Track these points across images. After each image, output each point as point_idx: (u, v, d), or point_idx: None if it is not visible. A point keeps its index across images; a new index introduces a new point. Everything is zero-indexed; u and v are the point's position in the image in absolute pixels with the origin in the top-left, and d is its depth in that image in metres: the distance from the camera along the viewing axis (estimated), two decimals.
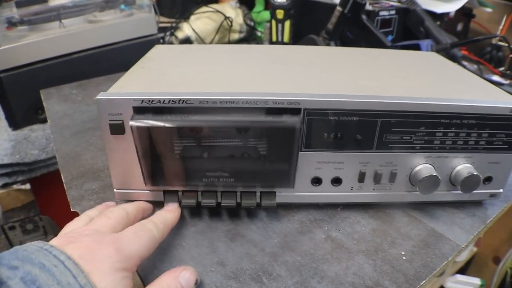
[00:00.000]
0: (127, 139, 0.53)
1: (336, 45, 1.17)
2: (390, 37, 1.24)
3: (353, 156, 0.57)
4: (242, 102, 0.52)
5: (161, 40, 1.35)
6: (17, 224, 1.44)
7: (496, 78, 1.17)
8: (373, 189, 0.60)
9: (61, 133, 0.85)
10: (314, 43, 1.12)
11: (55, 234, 1.28)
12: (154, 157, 0.54)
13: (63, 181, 0.69)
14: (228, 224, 0.59)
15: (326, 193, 0.60)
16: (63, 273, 0.37)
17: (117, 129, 0.53)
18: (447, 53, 1.09)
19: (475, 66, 1.23)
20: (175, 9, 1.71)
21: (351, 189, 0.60)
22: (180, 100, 0.51)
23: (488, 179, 0.60)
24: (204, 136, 0.53)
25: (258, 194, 0.58)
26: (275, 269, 0.52)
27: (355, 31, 1.14)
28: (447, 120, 0.55)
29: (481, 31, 1.51)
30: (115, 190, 0.60)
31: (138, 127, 0.50)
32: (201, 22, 1.55)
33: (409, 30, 1.24)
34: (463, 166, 0.59)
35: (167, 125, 0.51)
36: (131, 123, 0.50)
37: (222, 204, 0.57)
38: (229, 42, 1.60)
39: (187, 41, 1.51)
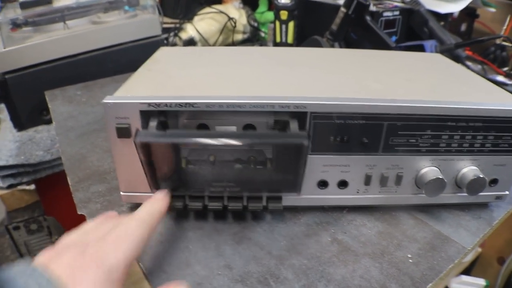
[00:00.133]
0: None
1: (340, 46, 1.17)
2: (394, 38, 1.24)
3: (359, 159, 0.57)
4: (248, 106, 0.52)
5: (165, 41, 1.35)
6: (21, 224, 1.44)
7: (500, 78, 1.18)
8: (379, 192, 0.60)
9: (67, 135, 0.86)
10: (318, 44, 1.12)
11: (60, 235, 1.29)
12: (160, 170, 0.54)
13: (70, 183, 0.69)
14: (235, 227, 0.59)
15: (332, 196, 0.60)
16: None
17: (124, 132, 0.53)
18: (451, 53, 1.09)
19: (479, 67, 1.23)
20: (178, 9, 1.71)
21: (357, 192, 0.60)
22: (187, 104, 0.52)
23: (494, 182, 0.61)
24: (210, 151, 0.53)
25: (264, 198, 0.58)
26: (282, 272, 0.52)
27: (359, 32, 1.14)
28: (453, 123, 0.55)
29: (485, 31, 1.50)
30: (121, 193, 0.60)
31: (143, 143, 0.50)
32: (204, 23, 1.55)
33: (413, 31, 1.24)
34: (469, 168, 0.59)
35: (172, 141, 0.51)
36: (136, 139, 0.49)
37: (228, 207, 0.57)
38: (233, 43, 1.60)
39: (190, 42, 1.51)
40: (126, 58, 1.19)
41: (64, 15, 1.13)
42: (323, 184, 0.59)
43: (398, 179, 0.59)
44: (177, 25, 1.58)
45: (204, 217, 0.61)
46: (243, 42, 1.64)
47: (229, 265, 0.53)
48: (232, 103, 0.52)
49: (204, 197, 0.58)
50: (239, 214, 0.62)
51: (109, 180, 0.70)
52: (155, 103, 0.52)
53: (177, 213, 0.62)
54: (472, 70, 0.88)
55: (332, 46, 1.15)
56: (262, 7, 1.70)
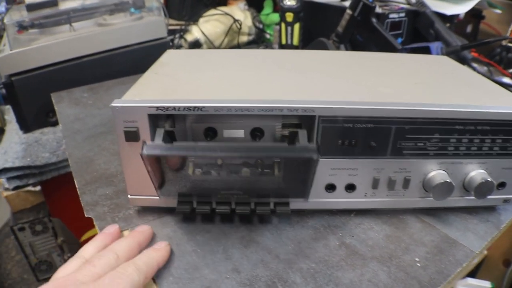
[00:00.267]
0: (142, 143, 0.53)
1: (346, 48, 1.17)
2: (400, 40, 1.24)
3: (367, 162, 0.57)
4: (257, 109, 0.52)
5: (170, 43, 1.35)
6: (26, 225, 1.44)
7: (506, 80, 1.17)
8: (387, 195, 0.60)
9: (74, 138, 0.86)
10: (324, 46, 1.12)
11: (65, 237, 1.29)
12: (167, 180, 0.54)
13: (77, 186, 0.69)
14: (242, 230, 0.59)
15: (340, 199, 0.60)
16: None
17: (132, 136, 0.53)
18: (457, 55, 1.09)
19: (485, 68, 1.22)
20: (183, 11, 1.71)
21: (365, 195, 0.60)
22: (195, 107, 0.52)
23: (501, 185, 0.60)
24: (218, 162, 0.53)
25: (272, 203, 0.58)
26: (290, 276, 0.52)
27: (365, 34, 1.14)
28: (461, 126, 0.55)
29: (491, 32, 1.50)
30: (129, 196, 0.60)
31: (149, 156, 0.50)
32: (210, 25, 1.55)
33: (419, 33, 1.24)
34: (476, 172, 0.58)
35: (179, 154, 0.51)
36: (143, 152, 0.49)
37: (236, 211, 0.57)
38: (238, 45, 1.60)
39: (196, 44, 1.51)
40: (132, 60, 1.19)
41: (70, 17, 1.13)
42: (331, 187, 0.59)
43: (406, 183, 0.59)
44: (183, 27, 1.58)
45: (211, 220, 0.61)
46: (248, 44, 1.64)
47: (237, 269, 0.53)
48: (241, 106, 0.52)
49: (212, 201, 0.58)
50: (246, 217, 0.62)
51: (116, 183, 0.70)
52: (164, 107, 0.52)
53: (184, 216, 0.62)
54: (478, 72, 0.88)
55: (338, 48, 1.15)
56: (267, 9, 1.70)
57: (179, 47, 1.53)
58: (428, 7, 1.23)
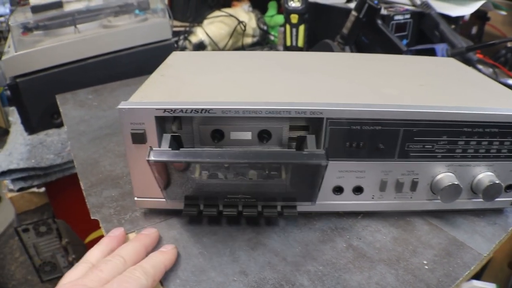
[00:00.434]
0: (149, 148, 0.53)
1: (351, 49, 1.16)
2: (405, 41, 1.24)
3: (375, 165, 0.57)
4: (264, 111, 0.52)
5: (175, 45, 1.35)
6: (30, 227, 1.44)
7: None
8: (394, 198, 0.60)
9: (79, 139, 0.86)
10: (329, 48, 1.12)
11: (70, 238, 1.29)
12: (174, 185, 0.54)
13: (82, 188, 0.69)
14: (249, 232, 0.59)
15: (347, 202, 0.60)
16: None
17: (139, 138, 0.53)
18: (463, 57, 1.08)
19: (490, 70, 1.22)
20: (188, 13, 1.71)
21: (372, 198, 0.60)
22: (202, 109, 0.52)
23: (509, 187, 0.60)
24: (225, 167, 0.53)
25: (279, 206, 0.58)
26: (297, 278, 0.52)
27: (370, 36, 1.14)
28: (469, 128, 0.55)
29: (496, 34, 1.50)
30: (135, 198, 0.60)
31: (156, 163, 0.49)
32: (214, 26, 1.55)
33: (424, 34, 1.24)
34: (484, 174, 0.58)
35: (186, 161, 0.51)
36: (150, 159, 0.49)
37: (243, 213, 0.57)
38: (243, 47, 1.60)
39: (200, 45, 1.51)
40: (137, 62, 1.19)
41: (74, 19, 1.13)
42: (338, 190, 0.59)
43: (414, 185, 0.59)
44: (187, 29, 1.58)
45: (218, 223, 0.61)
46: (253, 46, 1.64)
47: (244, 271, 0.53)
48: (248, 108, 0.52)
49: (219, 204, 0.57)
50: (253, 220, 0.62)
51: (121, 185, 0.70)
52: (171, 109, 0.51)
53: (191, 218, 0.62)
54: (484, 74, 0.88)
55: (343, 50, 1.15)
56: (272, 10, 1.70)
57: (183, 48, 1.53)
58: (433, 9, 1.22)
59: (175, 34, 1.51)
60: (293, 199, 0.57)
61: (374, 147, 0.55)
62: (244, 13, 1.63)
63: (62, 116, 0.99)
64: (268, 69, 0.73)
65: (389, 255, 0.56)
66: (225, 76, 0.67)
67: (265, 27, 1.66)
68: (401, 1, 1.31)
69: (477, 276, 1.60)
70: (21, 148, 1.08)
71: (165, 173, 0.51)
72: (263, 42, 1.67)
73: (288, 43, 1.31)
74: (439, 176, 0.58)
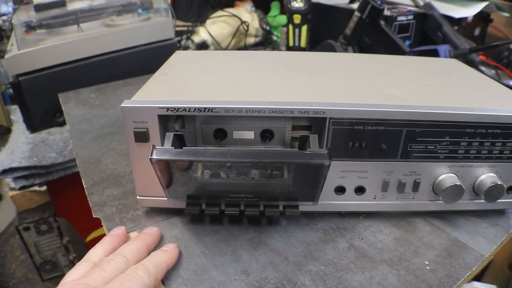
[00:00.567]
0: (151, 147, 0.53)
1: (354, 50, 1.16)
2: (407, 42, 1.24)
3: (377, 165, 0.57)
4: (268, 111, 0.52)
5: (178, 44, 1.35)
6: (31, 225, 1.45)
7: None
8: (396, 198, 0.60)
9: (81, 138, 0.86)
10: (332, 48, 1.12)
11: (71, 237, 1.29)
12: (176, 184, 0.54)
13: (84, 186, 0.69)
14: (251, 232, 0.59)
15: (349, 202, 0.60)
16: None
17: (142, 137, 0.53)
18: (465, 58, 1.08)
19: (493, 71, 1.22)
20: (190, 13, 1.71)
21: (374, 198, 0.60)
22: (205, 108, 0.52)
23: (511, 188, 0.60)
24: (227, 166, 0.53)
25: (281, 205, 0.58)
26: (299, 278, 0.52)
27: (373, 37, 1.14)
28: (472, 129, 0.55)
29: (499, 35, 1.49)
30: (137, 197, 0.60)
31: (159, 161, 0.49)
32: (217, 26, 1.55)
33: (426, 35, 1.24)
34: (486, 175, 0.58)
35: (189, 160, 0.50)
36: (152, 157, 0.49)
37: (245, 213, 0.57)
38: (245, 46, 1.60)
39: (203, 45, 1.51)
40: (139, 61, 1.20)
41: (77, 17, 1.13)
42: (340, 190, 0.59)
43: (416, 186, 0.58)
44: (190, 28, 1.58)
45: (220, 222, 0.61)
46: (255, 46, 1.64)
47: (246, 271, 0.53)
48: (251, 108, 0.52)
49: (221, 203, 0.57)
50: (255, 219, 0.62)
51: (124, 183, 0.70)
52: (174, 108, 0.52)
53: (193, 217, 0.62)
54: (486, 75, 0.88)
55: (346, 50, 1.15)
56: (274, 10, 1.70)
57: (186, 48, 1.54)
58: (436, 10, 1.22)
59: (178, 33, 1.51)
60: (295, 199, 0.57)
61: (377, 147, 0.55)
62: (246, 13, 1.63)
63: (64, 115, 0.99)
64: (271, 69, 0.73)
65: (391, 256, 0.56)
66: (228, 76, 0.67)
67: (267, 27, 1.66)
68: (404, 2, 1.31)
69: (478, 277, 1.60)
70: (23, 146, 1.08)
71: (168, 172, 0.51)
72: (266, 42, 1.68)
73: (291, 43, 1.31)
74: (441, 177, 0.58)
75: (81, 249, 1.49)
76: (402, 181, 0.58)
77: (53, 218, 1.44)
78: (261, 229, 0.60)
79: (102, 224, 0.61)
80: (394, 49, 1.09)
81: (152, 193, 0.59)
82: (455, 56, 1.07)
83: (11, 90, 1.06)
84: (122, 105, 0.52)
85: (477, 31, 1.48)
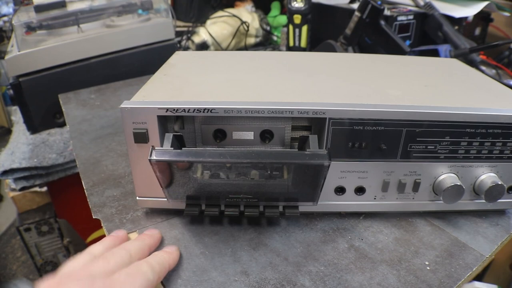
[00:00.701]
0: (151, 148, 0.53)
1: (354, 50, 1.16)
2: (408, 42, 1.24)
3: (377, 165, 0.57)
4: (267, 111, 0.52)
5: (178, 45, 1.35)
6: (32, 226, 1.45)
7: None
8: (396, 198, 0.60)
9: (81, 139, 0.86)
10: (332, 48, 1.12)
11: (72, 237, 1.29)
12: (176, 184, 0.53)
13: (84, 187, 0.69)
14: (251, 232, 0.59)
15: (349, 202, 0.60)
16: None
17: (141, 137, 0.53)
18: (466, 58, 1.08)
19: (494, 71, 1.22)
20: (191, 13, 1.71)
21: (374, 198, 0.60)
22: (205, 109, 0.51)
23: None
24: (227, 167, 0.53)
25: (281, 206, 0.58)
26: (299, 279, 0.51)
27: (373, 36, 1.14)
28: (472, 129, 0.55)
29: (499, 35, 1.49)
30: (137, 198, 0.60)
31: (158, 162, 0.49)
32: (217, 26, 1.55)
33: (427, 35, 1.24)
34: (487, 175, 0.58)
35: (188, 160, 0.50)
36: (151, 157, 0.49)
37: (245, 213, 0.57)
38: (245, 47, 1.60)
39: (203, 45, 1.51)
40: (139, 62, 1.20)
41: (78, 18, 1.13)
42: (340, 190, 0.59)
43: (416, 186, 0.58)
44: (190, 29, 1.58)
45: (220, 222, 0.61)
46: (256, 46, 1.64)
47: (245, 271, 0.52)
48: (251, 108, 0.51)
49: (220, 204, 0.57)
50: (254, 220, 0.62)
51: (123, 184, 0.70)
52: (173, 108, 0.51)
53: (192, 218, 0.62)
54: (487, 75, 0.88)
55: (346, 50, 1.15)
56: (275, 11, 1.70)
57: (186, 48, 1.54)
58: (436, 10, 1.22)
59: (178, 34, 1.51)
60: (295, 199, 0.57)
61: (377, 148, 0.55)
62: (247, 13, 1.63)
63: (64, 116, 0.99)
64: (271, 69, 0.73)
65: (391, 256, 0.55)
66: (228, 76, 0.67)
67: (268, 28, 1.66)
68: (405, 2, 1.31)
69: (479, 277, 1.59)
70: (23, 147, 1.08)
71: (167, 172, 0.51)
72: (266, 42, 1.68)
73: (291, 44, 1.31)
74: (441, 177, 0.58)
75: (82, 249, 1.48)
76: (402, 181, 0.58)
77: (54, 219, 1.44)
78: (260, 230, 0.60)
79: (102, 225, 0.61)
80: (394, 49, 1.09)
81: (152, 194, 0.59)
82: (456, 56, 1.07)
83: (11, 91, 1.06)
84: (122, 105, 0.52)
85: (477, 31, 1.48)
